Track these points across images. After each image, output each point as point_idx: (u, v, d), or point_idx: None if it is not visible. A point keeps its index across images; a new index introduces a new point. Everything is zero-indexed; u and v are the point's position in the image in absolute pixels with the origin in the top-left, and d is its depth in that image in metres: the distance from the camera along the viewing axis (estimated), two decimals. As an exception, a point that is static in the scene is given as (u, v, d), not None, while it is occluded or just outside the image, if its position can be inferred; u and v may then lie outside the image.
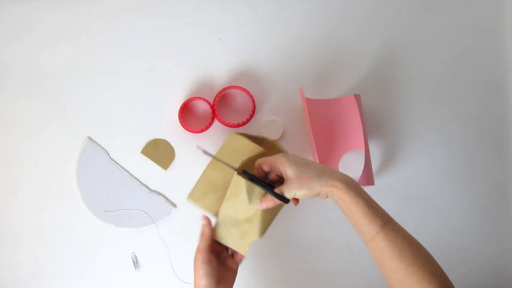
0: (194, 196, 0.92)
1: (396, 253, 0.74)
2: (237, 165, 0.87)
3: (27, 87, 1.06)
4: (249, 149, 0.91)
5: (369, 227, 0.75)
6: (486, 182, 1.05)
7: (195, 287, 0.84)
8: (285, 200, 0.81)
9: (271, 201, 0.82)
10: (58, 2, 1.08)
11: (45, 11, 1.07)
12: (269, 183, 0.84)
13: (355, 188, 0.77)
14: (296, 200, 0.83)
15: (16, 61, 1.07)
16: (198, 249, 0.85)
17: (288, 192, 0.79)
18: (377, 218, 0.75)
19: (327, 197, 0.79)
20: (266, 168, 0.84)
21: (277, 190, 0.81)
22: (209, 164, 0.94)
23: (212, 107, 1.03)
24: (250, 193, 0.83)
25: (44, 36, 1.07)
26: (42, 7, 1.07)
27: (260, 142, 0.94)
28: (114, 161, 1.05)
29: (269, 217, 0.88)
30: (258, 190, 0.83)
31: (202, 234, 0.87)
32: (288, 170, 0.79)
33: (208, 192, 0.92)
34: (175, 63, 1.07)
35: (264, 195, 0.83)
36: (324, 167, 0.79)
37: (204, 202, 0.92)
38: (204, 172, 0.94)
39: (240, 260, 0.89)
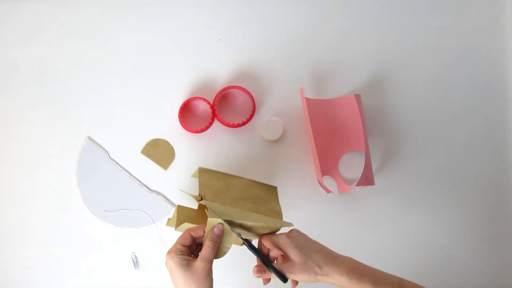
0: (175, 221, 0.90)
1: None
2: None
3: (27, 87, 1.06)
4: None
5: None
6: (486, 182, 1.05)
7: None
8: (284, 279, 0.79)
9: (267, 274, 0.81)
10: (58, 2, 1.08)
11: (45, 11, 1.07)
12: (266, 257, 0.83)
13: (357, 273, 0.76)
14: (295, 283, 0.82)
15: (16, 61, 1.07)
16: (206, 259, 0.77)
17: (289, 273, 0.78)
18: None
19: None
20: (268, 245, 0.82)
21: (277, 266, 0.79)
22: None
23: (212, 107, 1.03)
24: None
25: (44, 36, 1.07)
26: (42, 8, 1.07)
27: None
28: (114, 161, 1.05)
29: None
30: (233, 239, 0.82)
31: (216, 243, 0.79)
32: (291, 253, 0.79)
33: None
34: (175, 63, 1.07)
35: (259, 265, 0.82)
36: (326, 255, 0.79)
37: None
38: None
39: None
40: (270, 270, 0.80)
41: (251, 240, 0.83)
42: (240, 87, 1.04)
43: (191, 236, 0.81)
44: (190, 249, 0.81)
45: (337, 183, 1.05)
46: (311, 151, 1.04)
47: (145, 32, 1.07)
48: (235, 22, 1.08)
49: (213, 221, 0.81)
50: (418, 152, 1.05)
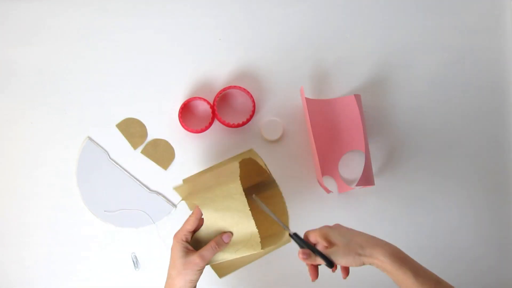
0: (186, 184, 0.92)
1: None
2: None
3: (27, 87, 1.06)
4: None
5: None
6: (486, 182, 1.05)
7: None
8: (330, 264, 0.80)
9: (314, 260, 0.81)
10: (57, 2, 1.08)
11: (45, 11, 1.07)
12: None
13: (400, 258, 0.77)
14: (346, 272, 0.83)
15: (15, 61, 1.07)
16: (203, 258, 0.83)
17: (334, 258, 0.79)
18: (426, 285, 0.76)
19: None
20: (312, 239, 0.83)
21: (322, 251, 0.81)
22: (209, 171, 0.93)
23: (212, 107, 1.03)
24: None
25: (44, 36, 1.07)
26: (42, 8, 1.07)
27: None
28: (114, 161, 1.05)
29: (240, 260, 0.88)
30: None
31: (219, 248, 0.85)
32: (334, 239, 0.80)
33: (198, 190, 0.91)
34: (175, 63, 1.07)
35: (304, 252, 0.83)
36: (368, 238, 0.80)
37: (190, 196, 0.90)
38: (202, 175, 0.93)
39: None
40: (316, 255, 0.81)
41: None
42: (240, 87, 1.04)
43: (197, 221, 0.86)
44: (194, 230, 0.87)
45: (337, 183, 1.05)
46: (311, 151, 1.04)
47: (145, 32, 1.07)
48: (235, 22, 1.08)
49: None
50: (418, 152, 1.05)
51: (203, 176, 0.94)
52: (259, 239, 0.84)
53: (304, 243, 0.82)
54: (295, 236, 0.83)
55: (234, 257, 0.86)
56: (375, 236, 0.81)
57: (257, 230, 0.83)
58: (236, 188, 0.84)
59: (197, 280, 0.83)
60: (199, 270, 0.82)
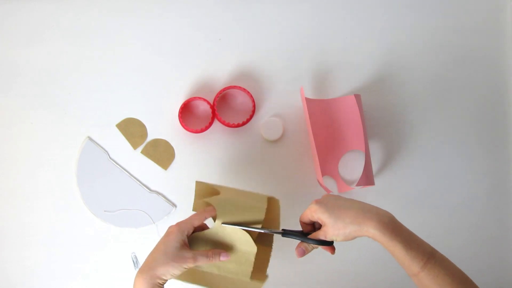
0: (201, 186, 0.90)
1: None
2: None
3: (27, 87, 1.06)
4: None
5: (410, 267, 0.74)
6: (486, 182, 1.05)
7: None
8: (327, 243, 0.80)
9: (310, 249, 0.82)
10: (58, 2, 1.08)
11: (45, 11, 1.07)
12: (304, 232, 0.84)
13: (391, 230, 0.74)
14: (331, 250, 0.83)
15: (16, 61, 1.07)
16: (195, 260, 0.80)
17: (325, 238, 0.79)
18: (418, 258, 0.74)
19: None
20: (306, 221, 0.83)
21: (313, 237, 0.81)
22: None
23: (212, 107, 1.03)
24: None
25: (44, 36, 1.07)
26: (42, 8, 1.07)
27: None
28: (114, 161, 1.05)
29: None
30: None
31: (214, 259, 0.82)
32: (322, 217, 0.79)
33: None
34: (175, 63, 1.07)
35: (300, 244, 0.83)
36: (358, 209, 0.77)
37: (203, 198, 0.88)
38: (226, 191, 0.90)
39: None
40: (310, 244, 0.81)
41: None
42: (240, 87, 1.04)
43: (205, 218, 0.84)
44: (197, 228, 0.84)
45: (337, 183, 1.05)
46: (311, 151, 1.04)
47: (145, 32, 1.07)
48: (235, 22, 1.08)
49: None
50: (418, 152, 1.05)
51: (226, 188, 0.90)
52: (251, 269, 0.83)
53: (294, 235, 0.83)
54: (285, 234, 0.84)
55: (217, 272, 0.84)
56: (368, 204, 0.79)
57: (253, 261, 0.83)
58: (258, 221, 0.84)
59: (177, 276, 0.80)
60: (186, 268, 0.79)
